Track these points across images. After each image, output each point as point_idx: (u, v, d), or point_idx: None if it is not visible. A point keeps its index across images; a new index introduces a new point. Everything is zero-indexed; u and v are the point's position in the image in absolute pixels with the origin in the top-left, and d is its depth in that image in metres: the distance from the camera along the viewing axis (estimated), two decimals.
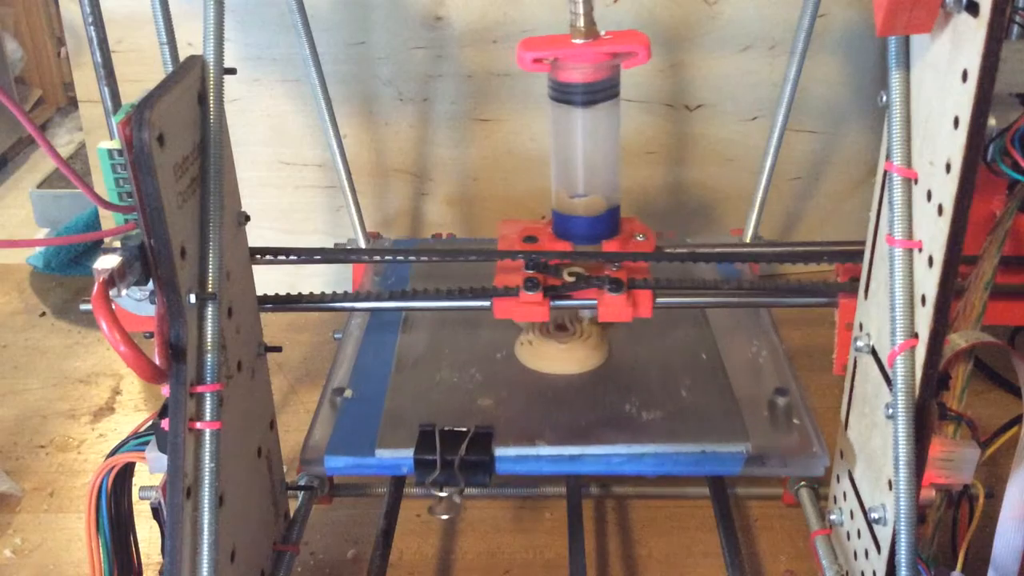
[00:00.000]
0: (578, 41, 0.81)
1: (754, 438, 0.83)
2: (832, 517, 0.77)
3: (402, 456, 0.82)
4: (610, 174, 0.89)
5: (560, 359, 0.93)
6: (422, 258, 0.96)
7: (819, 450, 0.84)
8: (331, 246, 1.12)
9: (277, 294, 0.87)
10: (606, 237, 0.89)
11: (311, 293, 0.88)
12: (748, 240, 1.10)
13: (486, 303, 0.85)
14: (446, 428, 0.83)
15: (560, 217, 0.90)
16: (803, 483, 0.85)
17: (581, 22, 0.81)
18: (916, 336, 0.60)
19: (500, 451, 0.82)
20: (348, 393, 0.91)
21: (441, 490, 0.81)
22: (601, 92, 0.84)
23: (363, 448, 0.84)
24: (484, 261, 0.90)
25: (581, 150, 0.86)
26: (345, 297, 0.88)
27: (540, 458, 0.83)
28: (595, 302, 0.84)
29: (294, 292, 0.88)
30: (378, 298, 0.88)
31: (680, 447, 0.83)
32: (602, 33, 0.82)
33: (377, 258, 1.03)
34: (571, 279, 0.85)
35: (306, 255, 0.92)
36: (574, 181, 0.88)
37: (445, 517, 0.84)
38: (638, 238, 0.90)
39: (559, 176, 0.89)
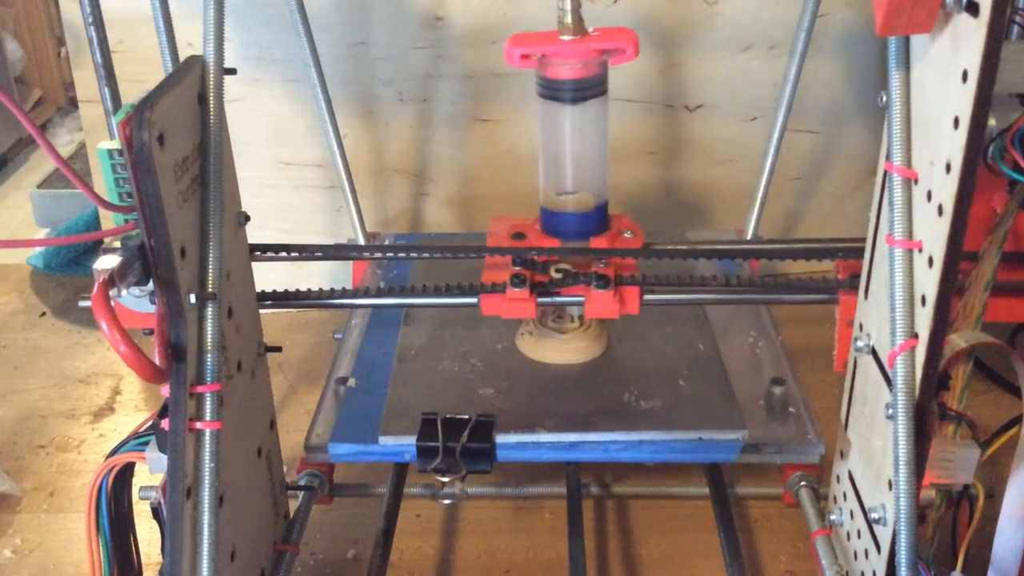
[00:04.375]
0: (566, 38, 0.81)
1: (750, 426, 0.84)
2: (832, 517, 0.77)
3: (405, 443, 0.83)
4: (599, 171, 0.89)
5: (560, 349, 0.93)
6: (412, 255, 0.97)
7: (814, 437, 0.85)
8: None
9: (285, 290, 0.87)
10: (594, 234, 0.89)
11: (309, 290, 0.88)
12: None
13: (473, 300, 0.86)
14: (448, 416, 0.84)
15: (548, 214, 0.90)
16: (803, 483, 0.85)
17: (569, 18, 0.81)
18: (916, 336, 0.60)
19: (501, 438, 0.83)
20: (352, 382, 0.92)
21: (443, 476, 0.82)
22: (589, 89, 0.84)
23: (367, 435, 0.85)
24: (479, 258, 0.90)
25: (569, 147, 0.87)
26: (343, 294, 0.88)
27: (540, 445, 0.84)
28: (582, 299, 0.84)
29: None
30: (369, 295, 0.89)
31: (677, 434, 0.84)
32: (590, 30, 0.82)
33: (378, 255, 1.04)
34: (558, 276, 0.86)
35: (305, 252, 0.93)
36: (562, 178, 0.88)
37: (448, 502, 0.85)
38: (626, 235, 0.90)
39: (547, 173, 0.89)
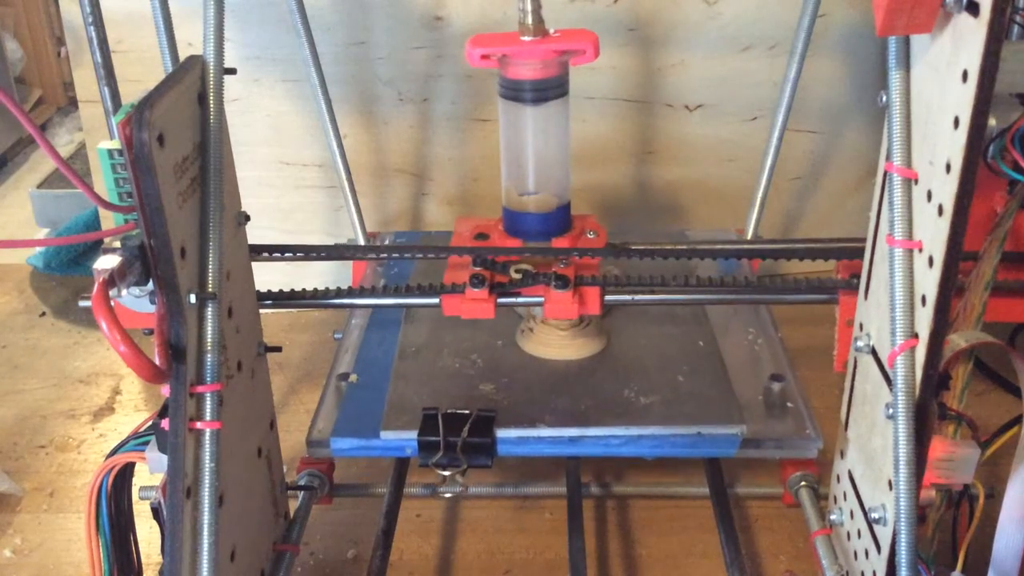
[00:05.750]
0: (527, 38, 0.82)
1: (749, 421, 0.85)
2: (832, 517, 0.77)
3: (406, 438, 0.84)
4: (560, 171, 0.89)
5: (560, 346, 0.94)
6: (405, 256, 0.97)
7: (812, 432, 0.85)
8: None
9: (280, 290, 0.87)
10: (556, 234, 0.90)
11: (312, 290, 0.88)
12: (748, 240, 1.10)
13: (435, 300, 0.86)
14: (449, 411, 0.84)
15: (510, 214, 0.91)
16: (803, 483, 0.86)
17: (529, 19, 0.81)
18: (916, 336, 0.60)
19: (501, 433, 0.84)
20: (353, 378, 0.92)
21: (444, 470, 0.82)
22: (550, 90, 0.84)
23: (368, 430, 0.85)
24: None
25: (531, 148, 0.87)
26: (343, 294, 0.89)
27: (540, 440, 0.84)
28: (542, 299, 0.85)
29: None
30: (368, 294, 0.89)
31: (677, 429, 0.84)
32: (551, 31, 0.82)
33: (372, 256, 1.04)
34: (518, 276, 0.86)
35: (305, 252, 0.93)
36: (524, 178, 0.89)
37: (449, 495, 0.85)
38: (589, 235, 0.90)
39: (509, 173, 0.89)
